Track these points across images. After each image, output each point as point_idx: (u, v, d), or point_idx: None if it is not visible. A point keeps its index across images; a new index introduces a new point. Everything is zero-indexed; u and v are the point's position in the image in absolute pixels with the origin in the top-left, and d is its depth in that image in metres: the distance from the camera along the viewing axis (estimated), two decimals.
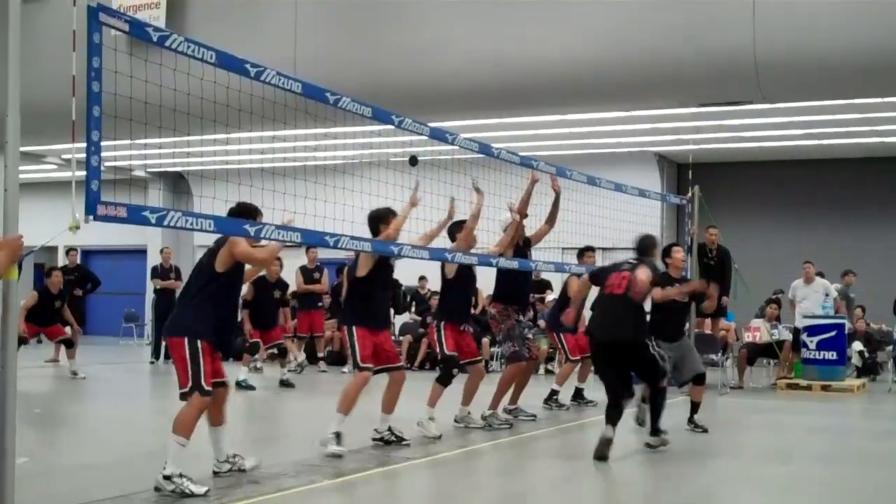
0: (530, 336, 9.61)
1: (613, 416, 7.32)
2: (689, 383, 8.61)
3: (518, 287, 9.29)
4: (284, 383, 12.69)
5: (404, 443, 7.69)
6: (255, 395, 11.96)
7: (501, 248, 9.11)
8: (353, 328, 7.46)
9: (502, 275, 9.24)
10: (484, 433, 8.63)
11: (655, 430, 7.77)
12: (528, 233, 9.51)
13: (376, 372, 7.51)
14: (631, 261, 7.87)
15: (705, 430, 8.71)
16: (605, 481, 7.07)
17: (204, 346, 5.86)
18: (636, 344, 7.45)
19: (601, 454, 7.15)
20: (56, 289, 13.58)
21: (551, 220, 9.61)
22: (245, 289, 11.93)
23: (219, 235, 6.12)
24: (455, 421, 8.83)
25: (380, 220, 7.63)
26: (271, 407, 11.57)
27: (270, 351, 13.15)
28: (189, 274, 6.47)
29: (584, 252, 11.00)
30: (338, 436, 7.15)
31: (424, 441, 7.92)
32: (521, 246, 9.27)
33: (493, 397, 9.07)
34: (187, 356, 5.80)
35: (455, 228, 8.63)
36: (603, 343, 7.59)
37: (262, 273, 12.51)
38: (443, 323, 8.47)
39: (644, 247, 8.04)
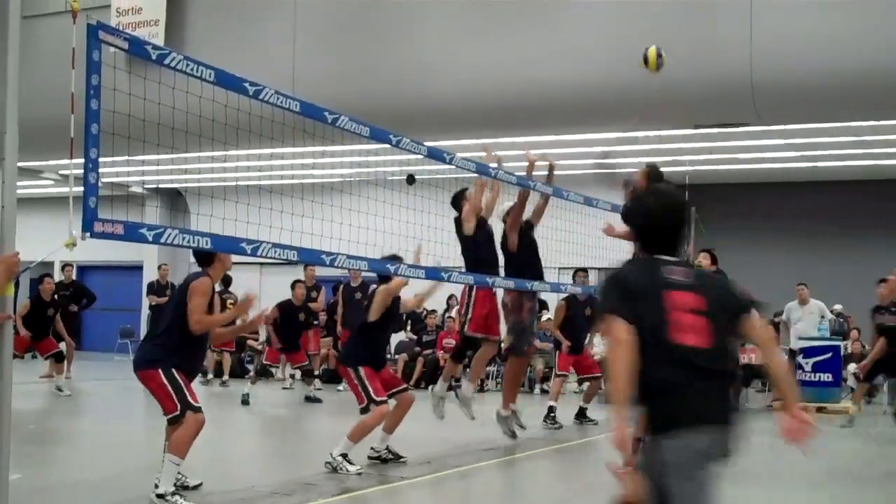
0: (534, 332, 9.82)
1: None
2: None
3: (528, 265, 9.20)
4: (310, 398, 13.01)
5: (401, 460, 7.70)
6: (251, 413, 11.97)
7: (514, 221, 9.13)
8: (360, 368, 7.53)
9: (511, 258, 9.14)
10: (481, 453, 8.58)
11: None
12: (527, 215, 9.34)
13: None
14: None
15: None
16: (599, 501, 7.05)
17: (178, 372, 5.86)
18: None
19: None
20: (48, 295, 13.48)
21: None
22: (270, 311, 12.62)
23: (190, 272, 6.18)
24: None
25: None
26: (265, 425, 11.55)
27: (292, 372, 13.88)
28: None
29: (577, 272, 11.57)
30: (345, 456, 7.24)
31: (422, 460, 7.89)
32: (524, 229, 9.24)
33: (503, 397, 9.23)
34: (166, 382, 5.80)
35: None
36: None
37: (288, 297, 13.37)
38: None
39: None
